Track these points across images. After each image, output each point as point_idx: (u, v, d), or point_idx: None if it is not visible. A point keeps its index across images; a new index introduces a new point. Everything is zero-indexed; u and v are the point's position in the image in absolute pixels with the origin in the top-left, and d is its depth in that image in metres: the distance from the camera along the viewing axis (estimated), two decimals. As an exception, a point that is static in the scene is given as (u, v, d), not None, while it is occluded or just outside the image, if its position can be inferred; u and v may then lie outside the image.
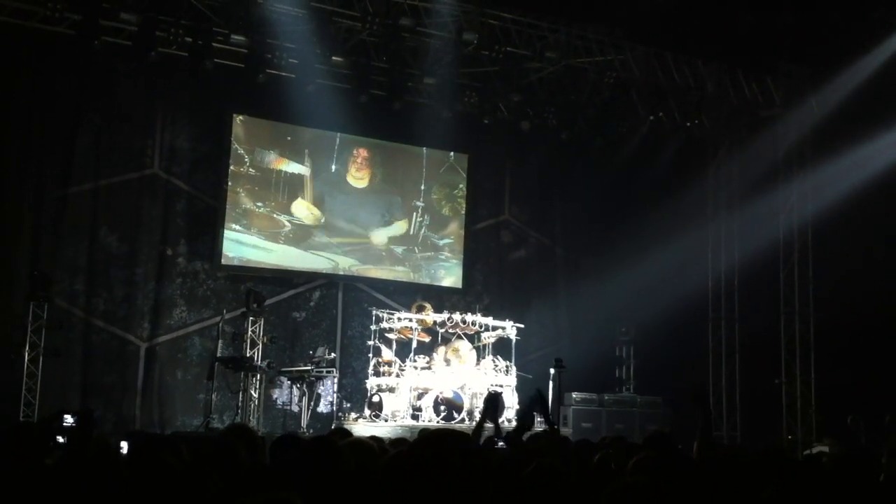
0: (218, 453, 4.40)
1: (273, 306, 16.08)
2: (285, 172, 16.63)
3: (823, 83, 15.83)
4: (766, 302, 17.31)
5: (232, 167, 16.10)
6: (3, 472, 4.35)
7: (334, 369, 15.03)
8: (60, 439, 6.50)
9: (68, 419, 8.17)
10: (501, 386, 15.10)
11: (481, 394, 14.80)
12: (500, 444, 7.08)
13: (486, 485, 2.48)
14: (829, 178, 15.65)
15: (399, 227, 17.50)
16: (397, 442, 6.56)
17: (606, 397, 16.38)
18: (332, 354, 15.47)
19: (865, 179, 14.82)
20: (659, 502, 3.30)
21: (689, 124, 16.99)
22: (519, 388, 15.32)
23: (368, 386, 14.98)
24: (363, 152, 17.32)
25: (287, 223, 16.51)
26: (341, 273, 16.97)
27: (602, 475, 4.66)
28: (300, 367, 14.80)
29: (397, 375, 14.79)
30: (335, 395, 15.05)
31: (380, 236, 17.30)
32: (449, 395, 14.38)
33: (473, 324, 15.40)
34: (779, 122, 17.12)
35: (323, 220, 16.82)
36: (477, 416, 14.50)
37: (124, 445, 6.29)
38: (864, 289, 14.73)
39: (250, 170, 16.33)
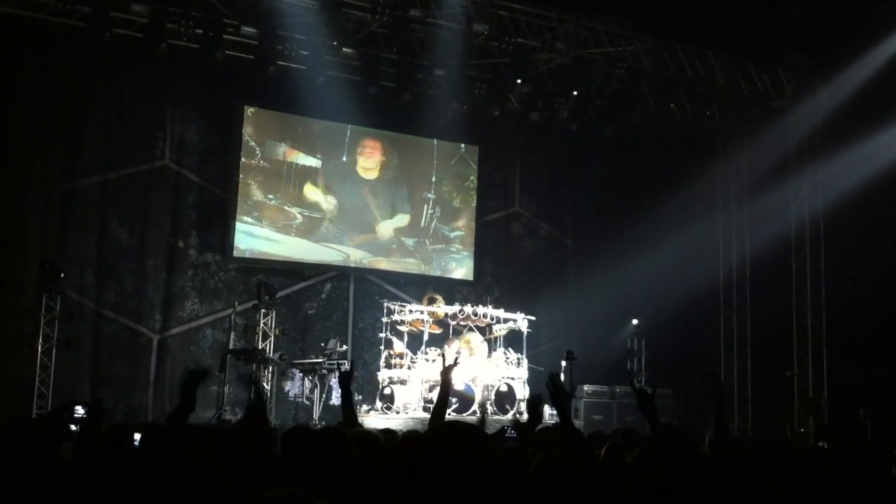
0: (229, 445, 4.41)
1: (284, 298, 16.13)
2: (296, 164, 16.65)
3: (834, 74, 15.75)
4: (777, 294, 17.25)
5: (243, 159, 16.12)
6: (7, 465, 4.37)
7: (346, 361, 15.05)
8: (74, 427, 6.52)
9: (79, 410, 8.20)
10: (513, 378, 15.12)
11: (493, 386, 14.82)
12: (511, 432, 7.10)
13: (496, 477, 2.47)
14: (841, 170, 15.58)
15: (403, 219, 17.48)
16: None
17: (617, 389, 16.34)
18: (344, 346, 15.50)
19: (877, 171, 14.75)
20: (668, 496, 3.29)
21: (699, 116, 16.93)
22: (530, 381, 15.33)
23: (380, 378, 14.99)
24: (373, 144, 17.33)
25: (298, 215, 16.53)
26: (352, 265, 16.99)
27: (610, 468, 4.65)
28: (312, 359, 14.85)
29: (409, 368, 14.80)
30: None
31: (386, 229, 17.30)
32: (460, 387, 14.36)
33: (485, 316, 15.40)
34: (789, 114, 17.04)
35: (333, 212, 16.83)
36: (489, 407, 14.52)
37: (137, 437, 6.30)
38: (876, 281, 14.67)
39: (261, 162, 16.35)
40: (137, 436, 5.55)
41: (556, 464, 3.84)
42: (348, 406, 5.93)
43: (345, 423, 5.70)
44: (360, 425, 5.89)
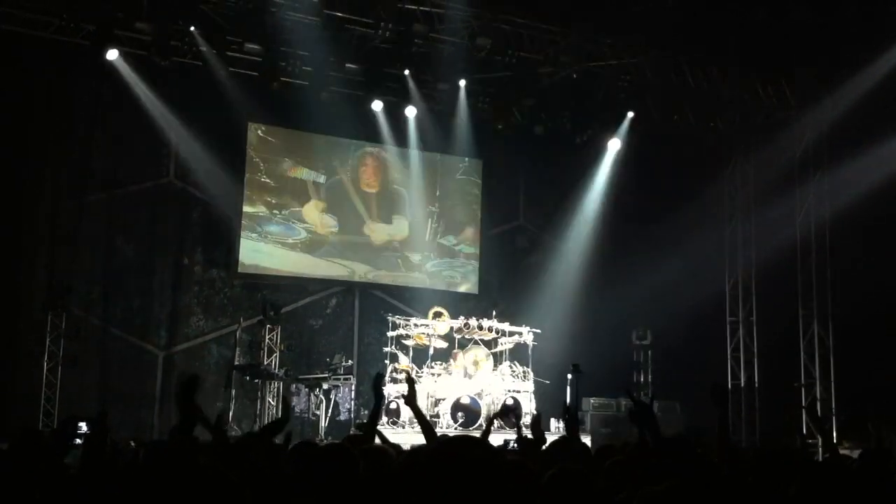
0: (234, 462, 4.40)
1: (289, 314, 16.12)
2: (300, 180, 16.68)
3: (838, 84, 15.72)
4: (784, 304, 17.20)
5: (247, 175, 16.17)
6: (9, 479, 4.37)
7: (351, 376, 15.03)
8: (78, 441, 6.51)
9: (83, 426, 8.17)
10: (519, 391, 15.07)
11: (499, 399, 14.78)
12: (513, 445, 7.09)
13: (502, 491, 2.46)
14: (846, 179, 15.55)
15: (400, 228, 17.45)
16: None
17: (624, 402, 16.28)
18: (349, 361, 15.47)
19: (883, 180, 14.72)
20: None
21: (704, 128, 16.92)
22: (536, 394, 15.29)
23: (385, 393, 14.94)
24: (377, 158, 17.35)
25: (303, 231, 16.55)
26: (357, 280, 16.98)
27: (618, 481, 4.63)
28: (317, 374, 14.82)
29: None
30: (352, 402, 15.05)
31: (378, 233, 17.25)
32: (466, 401, 14.32)
33: (490, 329, 15.37)
34: (794, 125, 17.02)
35: (337, 227, 16.85)
36: (495, 422, 14.47)
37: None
38: (883, 289, 14.63)
39: (265, 178, 16.37)
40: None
41: (568, 477, 3.82)
42: (374, 420, 6.03)
43: (364, 437, 5.72)
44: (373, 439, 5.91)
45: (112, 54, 13.73)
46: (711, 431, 5.36)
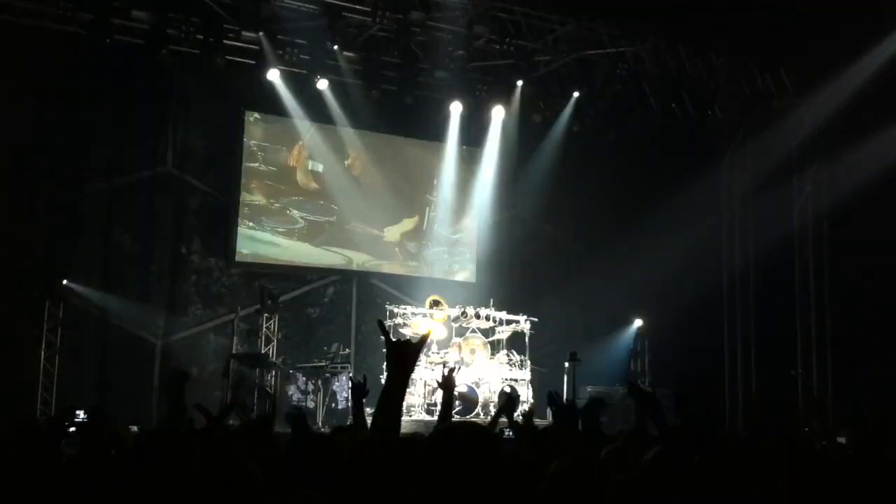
0: (229, 450, 4.41)
1: (287, 302, 16.12)
2: (298, 168, 16.66)
3: (837, 73, 15.69)
4: (782, 294, 17.20)
5: (245, 164, 16.15)
6: (9, 472, 4.37)
7: (349, 365, 15.04)
8: (72, 429, 6.53)
9: (80, 415, 8.21)
10: (516, 380, 15.08)
11: (496, 388, 14.79)
12: (508, 433, 7.09)
13: (507, 477, 2.46)
14: (844, 169, 15.53)
15: (409, 223, 17.48)
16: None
17: (621, 390, 16.28)
18: (347, 350, 15.50)
19: (880, 170, 14.70)
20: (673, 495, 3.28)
21: (702, 116, 16.90)
22: (533, 382, 15.30)
23: (382, 382, 14.89)
24: (375, 147, 17.31)
25: (301, 219, 16.54)
26: (355, 269, 16.98)
27: (616, 469, 4.64)
28: (315, 363, 14.83)
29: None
30: (350, 391, 15.03)
31: (393, 233, 17.31)
32: (463, 389, 14.30)
33: (487, 318, 15.36)
34: (792, 113, 16.99)
35: (335, 216, 16.83)
36: (492, 410, 14.48)
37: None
38: (881, 279, 14.63)
39: (263, 166, 16.36)
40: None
41: (573, 470, 3.83)
42: (359, 417, 6.13)
43: (354, 428, 5.77)
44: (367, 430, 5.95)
45: (111, 43, 13.70)
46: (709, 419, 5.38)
